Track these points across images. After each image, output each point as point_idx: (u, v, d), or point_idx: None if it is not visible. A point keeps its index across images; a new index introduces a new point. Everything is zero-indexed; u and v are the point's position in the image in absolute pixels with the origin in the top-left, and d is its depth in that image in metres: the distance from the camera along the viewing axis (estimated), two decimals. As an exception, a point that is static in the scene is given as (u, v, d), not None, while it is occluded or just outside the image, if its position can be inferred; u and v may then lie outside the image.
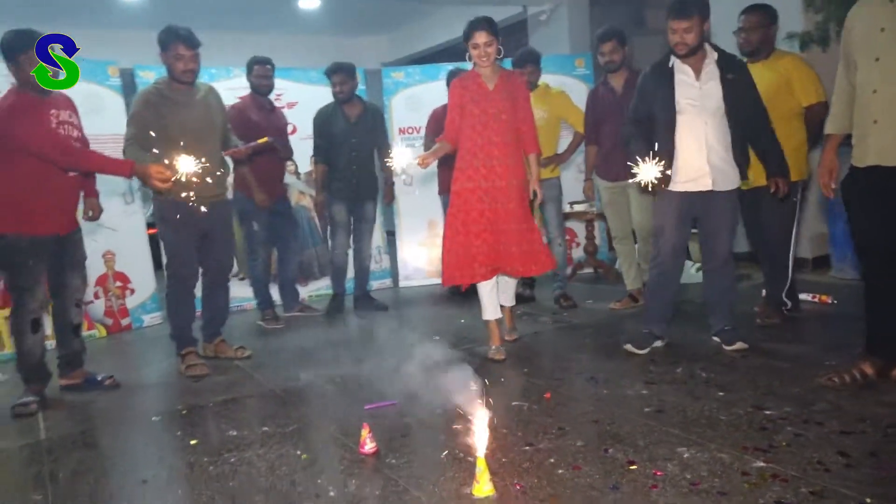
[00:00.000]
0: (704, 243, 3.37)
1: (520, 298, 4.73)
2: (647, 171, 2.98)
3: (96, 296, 4.73)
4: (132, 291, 4.89)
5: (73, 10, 6.91)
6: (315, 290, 5.60)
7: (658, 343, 3.46)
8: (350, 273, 5.10)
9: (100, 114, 4.62)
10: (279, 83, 4.94)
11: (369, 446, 2.38)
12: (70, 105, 3.33)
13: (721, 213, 3.25)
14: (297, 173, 5.49)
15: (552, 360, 3.49)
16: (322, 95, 5.05)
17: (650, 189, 3.08)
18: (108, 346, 4.52)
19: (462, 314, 4.54)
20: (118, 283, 4.83)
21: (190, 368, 3.55)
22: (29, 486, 2.37)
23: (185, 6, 7.39)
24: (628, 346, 3.42)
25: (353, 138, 4.71)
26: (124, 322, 4.85)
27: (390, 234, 6.03)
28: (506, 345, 3.65)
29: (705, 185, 3.19)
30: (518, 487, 2.05)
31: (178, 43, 3.49)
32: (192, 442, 2.63)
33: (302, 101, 5.44)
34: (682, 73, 3.19)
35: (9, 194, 3.07)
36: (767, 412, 2.50)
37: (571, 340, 3.80)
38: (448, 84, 3.86)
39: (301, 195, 5.57)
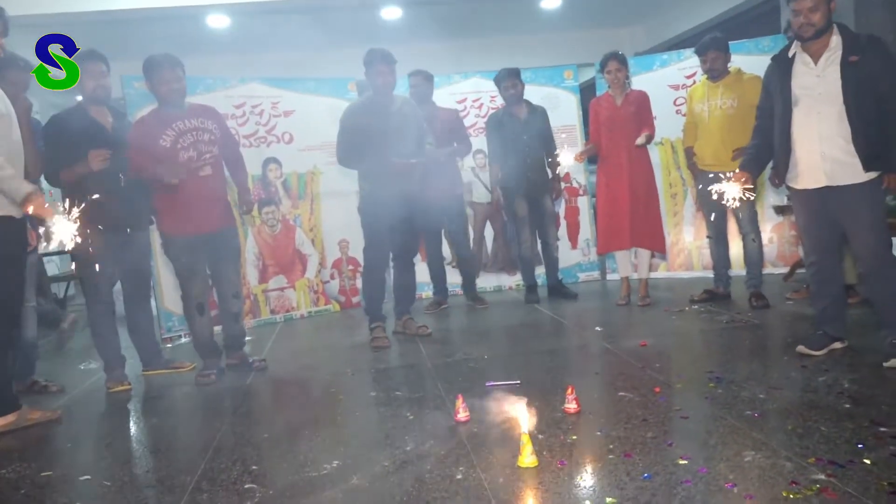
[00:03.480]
0: (851, 244, 3.03)
1: (712, 295, 4.61)
2: (731, 189, 2.99)
3: (332, 276, 5.66)
4: (361, 274, 5.72)
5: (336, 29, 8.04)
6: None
7: (837, 345, 3.20)
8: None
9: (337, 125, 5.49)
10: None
11: (462, 415, 2.68)
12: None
13: (852, 210, 2.91)
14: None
15: (692, 358, 3.42)
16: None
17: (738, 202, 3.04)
18: (337, 319, 5.39)
19: (645, 310, 4.58)
20: (350, 267, 5.71)
21: (375, 340, 4.16)
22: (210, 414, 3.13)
23: (431, 20, 8.21)
24: (801, 348, 3.22)
25: (524, 135, 4.98)
26: (354, 300, 5.71)
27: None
28: (654, 337, 3.72)
29: (819, 180, 2.92)
30: (560, 464, 2.20)
31: (378, 62, 4.09)
32: (340, 398, 3.19)
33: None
34: (802, 62, 2.94)
35: (166, 202, 3.57)
36: (883, 428, 2.26)
37: (732, 340, 3.63)
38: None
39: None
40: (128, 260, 3.77)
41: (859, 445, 2.15)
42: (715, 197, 3.05)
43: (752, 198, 3.14)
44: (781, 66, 3.07)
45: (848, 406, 2.50)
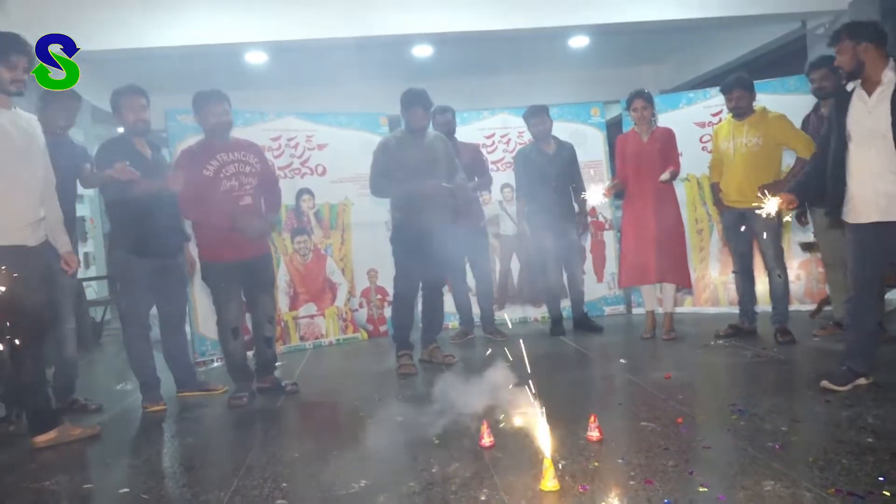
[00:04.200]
0: None
1: (738, 331, 4.62)
2: (770, 205, 3.09)
3: (361, 305, 5.77)
4: (389, 303, 5.83)
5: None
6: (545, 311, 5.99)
7: (862, 381, 3.20)
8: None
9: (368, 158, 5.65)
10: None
11: (486, 440, 2.75)
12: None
13: None
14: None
15: (716, 391, 3.45)
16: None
17: (777, 217, 3.09)
18: (365, 347, 5.50)
19: (670, 344, 4.61)
20: (378, 296, 5.82)
21: (402, 368, 4.24)
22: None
23: (460, 58, 8.41)
24: (825, 383, 3.23)
25: (552, 170, 5.09)
26: (382, 329, 5.81)
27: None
28: (678, 370, 3.74)
29: (872, 215, 2.98)
30: (582, 489, 2.25)
31: (415, 105, 4.25)
32: (368, 421, 3.27)
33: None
34: (858, 97, 3.04)
35: (205, 230, 3.78)
36: (904, 463, 2.28)
37: (756, 374, 3.66)
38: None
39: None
40: (164, 285, 3.91)
41: (880, 478, 2.17)
42: (763, 214, 3.19)
43: (787, 219, 3.25)
44: (840, 102, 3.17)
45: (870, 440, 2.52)
